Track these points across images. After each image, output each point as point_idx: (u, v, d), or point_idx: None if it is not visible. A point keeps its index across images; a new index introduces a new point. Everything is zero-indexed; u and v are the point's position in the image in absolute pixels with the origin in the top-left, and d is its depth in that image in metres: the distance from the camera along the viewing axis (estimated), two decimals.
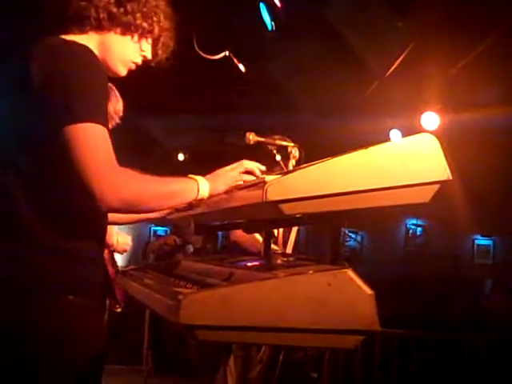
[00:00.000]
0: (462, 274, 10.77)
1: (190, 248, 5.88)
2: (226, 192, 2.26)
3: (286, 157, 3.75)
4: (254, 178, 2.31)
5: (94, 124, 1.92)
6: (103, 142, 1.95)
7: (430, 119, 7.15)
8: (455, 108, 7.09)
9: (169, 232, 11.60)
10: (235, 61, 6.38)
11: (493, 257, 11.79)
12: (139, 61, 2.32)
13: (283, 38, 5.98)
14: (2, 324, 1.98)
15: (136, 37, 2.26)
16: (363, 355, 6.59)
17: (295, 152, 3.74)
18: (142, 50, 2.30)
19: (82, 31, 2.19)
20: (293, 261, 2.42)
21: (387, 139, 7.87)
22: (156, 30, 2.28)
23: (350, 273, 1.81)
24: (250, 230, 2.49)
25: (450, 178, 1.86)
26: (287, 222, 2.43)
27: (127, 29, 2.23)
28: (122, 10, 2.20)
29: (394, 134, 8.10)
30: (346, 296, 1.80)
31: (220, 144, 8.73)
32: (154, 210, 2.30)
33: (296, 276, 1.83)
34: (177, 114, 8.06)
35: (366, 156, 1.87)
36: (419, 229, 12.30)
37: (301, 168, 1.91)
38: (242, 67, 6.49)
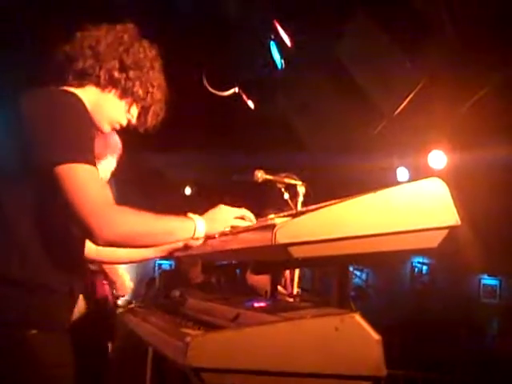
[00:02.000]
0: (468, 314, 10.68)
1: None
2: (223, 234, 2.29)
3: (295, 195, 3.76)
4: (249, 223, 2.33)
5: (82, 164, 2.00)
6: (94, 181, 2.02)
7: (438, 158, 7.15)
8: (462, 147, 7.09)
9: (173, 266, 11.57)
10: (244, 97, 6.43)
11: (499, 297, 11.70)
12: (125, 123, 2.41)
13: (293, 76, 6.03)
14: None
15: (128, 101, 2.34)
16: None
17: (303, 190, 3.75)
18: (130, 114, 2.39)
19: (81, 85, 2.28)
20: (299, 303, 2.41)
21: (394, 178, 7.88)
22: (149, 99, 2.39)
23: (358, 317, 1.80)
24: (257, 271, 2.49)
25: (459, 223, 1.86)
26: (295, 264, 2.43)
27: (123, 93, 2.34)
28: (124, 75, 2.31)
29: (401, 172, 8.10)
30: (353, 341, 1.79)
31: (227, 179, 8.75)
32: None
33: (303, 320, 1.82)
34: (185, 149, 8.10)
35: (374, 199, 1.87)
36: (425, 267, 12.25)
37: (310, 211, 1.91)
38: (251, 104, 6.54)
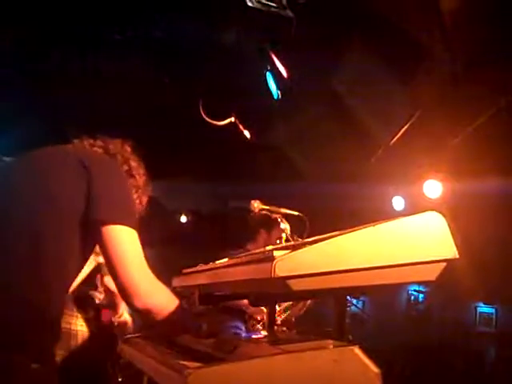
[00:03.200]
0: (465, 342, 10.64)
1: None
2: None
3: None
4: None
5: (131, 228, 2.17)
6: (139, 247, 2.18)
7: (433, 187, 7.19)
8: (457, 176, 7.13)
9: None
10: (240, 127, 6.46)
11: (495, 325, 11.66)
12: None
13: (289, 106, 6.07)
14: None
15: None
16: None
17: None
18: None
19: None
20: (297, 335, 2.41)
21: (390, 207, 7.90)
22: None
23: (357, 350, 1.81)
24: (255, 303, 2.49)
25: (457, 256, 1.88)
26: (293, 296, 2.43)
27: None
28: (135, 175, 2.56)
29: (397, 201, 8.13)
30: (351, 374, 1.80)
31: (223, 208, 8.77)
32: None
33: (302, 352, 1.82)
34: (181, 178, 8.12)
35: (373, 233, 1.88)
36: (421, 295, 12.22)
37: (308, 243, 1.92)
38: (247, 133, 6.57)
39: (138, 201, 2.56)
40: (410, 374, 8.82)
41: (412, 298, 12.13)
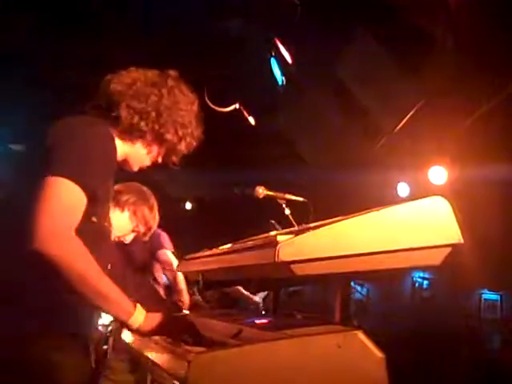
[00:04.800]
0: (469, 329, 10.63)
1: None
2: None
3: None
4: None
5: (71, 182, 2.00)
6: (70, 201, 2.02)
7: (438, 174, 7.15)
8: (463, 163, 7.10)
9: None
10: (245, 114, 6.44)
11: (500, 311, 11.66)
12: (149, 163, 2.48)
13: (293, 92, 6.05)
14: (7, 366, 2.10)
15: (156, 144, 2.40)
16: None
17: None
18: (157, 156, 2.45)
19: (114, 127, 2.35)
20: (301, 320, 2.40)
21: (395, 193, 7.88)
22: (176, 143, 2.41)
23: (361, 335, 1.80)
24: (259, 288, 2.49)
25: (462, 241, 1.87)
26: (296, 281, 2.42)
27: (154, 140, 2.39)
28: (156, 127, 2.36)
29: (402, 187, 8.10)
30: (355, 358, 1.79)
31: (228, 195, 8.76)
32: (76, 289, 2.05)
33: (306, 337, 1.82)
34: (186, 165, 8.10)
35: (377, 217, 1.87)
36: (426, 282, 12.21)
37: (312, 228, 1.91)
38: (251, 120, 6.55)
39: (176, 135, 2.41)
40: (414, 360, 8.82)
41: (416, 284, 12.12)
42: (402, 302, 11.86)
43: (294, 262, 1.80)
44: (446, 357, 9.40)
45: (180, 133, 2.41)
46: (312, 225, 2.07)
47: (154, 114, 2.37)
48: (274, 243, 1.83)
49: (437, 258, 1.89)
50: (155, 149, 2.43)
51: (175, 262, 4.89)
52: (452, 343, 9.91)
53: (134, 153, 2.43)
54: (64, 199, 1.99)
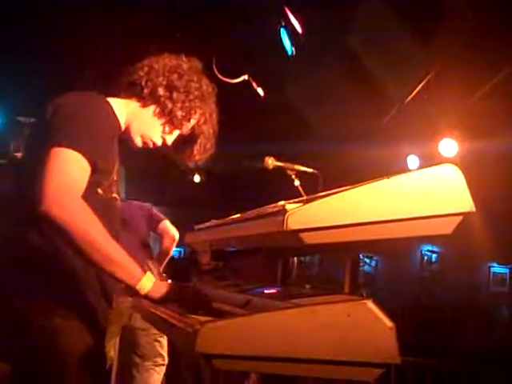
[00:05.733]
0: (478, 302, 10.66)
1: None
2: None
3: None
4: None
5: (74, 152, 2.01)
6: (74, 168, 2.02)
7: (449, 146, 7.10)
8: (474, 135, 7.04)
9: (182, 253, 11.62)
10: (254, 85, 6.39)
11: (509, 285, 11.67)
12: (159, 142, 2.41)
13: (303, 63, 5.99)
14: (11, 341, 2.16)
15: (165, 121, 2.35)
16: (377, 382, 6.51)
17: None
18: (164, 133, 2.39)
19: (125, 96, 2.33)
20: (309, 290, 2.39)
21: (404, 165, 7.84)
22: (186, 127, 2.39)
23: (370, 304, 1.78)
24: (267, 258, 2.48)
25: (474, 209, 1.84)
26: (305, 250, 2.41)
27: (162, 112, 2.34)
28: (167, 94, 2.32)
29: (412, 160, 8.06)
30: (365, 328, 1.77)
31: (236, 167, 8.73)
32: (84, 254, 2.03)
33: (315, 306, 1.80)
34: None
35: (388, 185, 1.84)
36: (434, 255, 12.22)
37: (321, 197, 1.89)
38: (260, 91, 6.50)
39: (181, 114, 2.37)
40: (422, 333, 8.85)
41: (425, 258, 12.13)
42: (410, 275, 11.87)
43: (302, 230, 1.78)
44: (454, 328, 9.42)
45: (191, 116, 2.39)
46: (321, 193, 2.05)
47: (182, 92, 2.36)
48: (282, 211, 1.81)
49: (448, 227, 1.86)
50: (164, 122, 2.40)
51: (176, 234, 5.04)
52: (460, 316, 9.93)
53: (147, 126, 2.41)
54: (68, 168, 2.01)
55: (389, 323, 1.79)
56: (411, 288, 11.14)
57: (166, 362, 4.75)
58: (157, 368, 4.67)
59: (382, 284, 11.58)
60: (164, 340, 4.69)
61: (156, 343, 4.65)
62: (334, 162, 7.06)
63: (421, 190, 1.84)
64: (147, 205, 5.23)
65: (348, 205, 1.81)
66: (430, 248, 11.98)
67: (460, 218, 1.85)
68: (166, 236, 5.06)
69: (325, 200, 1.82)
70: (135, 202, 5.08)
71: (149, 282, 2.12)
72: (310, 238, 1.79)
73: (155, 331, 4.56)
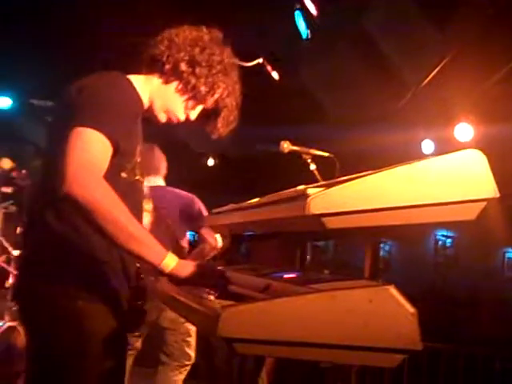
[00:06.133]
0: (492, 287, 10.62)
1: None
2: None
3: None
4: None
5: (96, 131, 2.02)
6: (96, 148, 2.03)
7: (464, 131, 7.04)
8: (490, 120, 6.98)
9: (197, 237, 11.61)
10: (269, 68, 6.36)
11: None
12: (182, 118, 2.40)
13: (317, 47, 5.95)
14: (35, 323, 2.22)
15: (189, 97, 2.34)
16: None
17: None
18: (189, 110, 2.38)
19: (147, 72, 2.32)
20: (328, 275, 2.39)
21: (419, 150, 7.79)
22: (210, 102, 2.37)
23: (392, 290, 1.78)
24: (286, 242, 2.47)
25: (498, 195, 1.82)
26: (325, 234, 2.40)
27: (185, 87, 2.33)
28: (190, 70, 2.31)
29: (427, 144, 8.00)
30: (387, 314, 1.77)
31: (250, 152, 8.72)
32: (105, 231, 2.02)
33: (337, 291, 1.80)
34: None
35: (411, 170, 1.82)
36: (449, 240, 12.18)
37: (343, 181, 1.88)
38: (275, 75, 6.47)
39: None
40: (436, 318, 8.84)
41: (439, 243, 12.09)
42: (424, 260, 11.85)
43: (325, 214, 1.76)
44: (468, 314, 9.41)
45: (215, 90, 2.38)
46: (343, 178, 2.03)
47: (205, 67, 2.34)
48: (304, 196, 1.80)
49: (472, 213, 1.84)
50: (187, 98, 2.38)
51: (219, 244, 4.52)
52: (474, 301, 9.91)
53: (171, 102, 2.40)
54: (90, 147, 2.01)
55: (411, 309, 1.78)
56: (425, 273, 11.12)
57: (192, 361, 4.72)
58: (182, 369, 4.66)
59: (396, 269, 11.56)
60: (191, 339, 4.66)
61: (183, 343, 4.63)
62: (347, 147, 7.01)
63: (444, 175, 1.82)
64: (190, 195, 4.73)
65: (371, 190, 1.79)
66: (445, 233, 11.94)
67: (484, 203, 1.84)
68: (206, 243, 4.57)
69: (347, 184, 1.81)
70: (174, 190, 4.69)
71: (172, 261, 2.12)
72: (332, 223, 1.78)
73: (183, 331, 4.56)
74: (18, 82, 8.49)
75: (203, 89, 2.34)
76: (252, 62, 6.16)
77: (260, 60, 6.25)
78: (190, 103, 2.38)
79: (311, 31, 5.49)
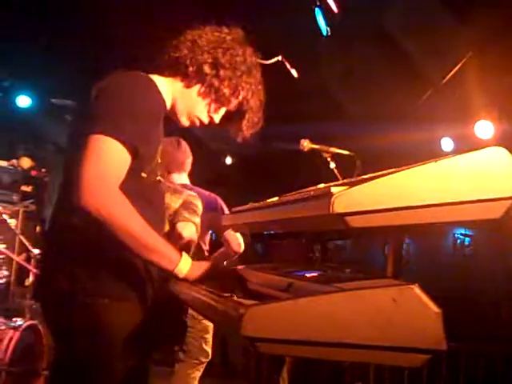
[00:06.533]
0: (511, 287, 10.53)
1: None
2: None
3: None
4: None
5: (113, 140, 1.98)
6: (112, 158, 2.02)
7: (485, 128, 6.98)
8: (510, 117, 6.92)
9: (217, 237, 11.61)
10: (288, 66, 6.34)
11: None
12: (206, 121, 2.39)
13: (338, 43, 5.93)
14: (56, 321, 2.26)
15: (212, 99, 2.32)
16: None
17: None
18: (211, 112, 2.37)
19: (170, 74, 2.30)
20: (351, 274, 2.37)
21: (439, 148, 7.74)
22: (234, 104, 2.36)
23: (417, 289, 1.76)
24: (308, 241, 2.46)
25: None
26: (348, 233, 2.38)
27: (208, 90, 2.31)
28: (213, 72, 2.29)
29: (446, 142, 7.94)
30: (411, 313, 1.75)
31: (269, 150, 8.70)
32: (124, 243, 2.06)
33: (360, 291, 1.78)
34: None
35: (435, 169, 1.81)
36: (467, 239, 12.08)
37: (367, 180, 1.86)
38: (294, 73, 6.45)
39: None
40: (454, 318, 8.78)
41: (458, 241, 11.99)
42: (442, 259, 11.76)
43: (348, 213, 1.75)
44: (487, 314, 9.33)
45: (239, 92, 2.36)
46: (366, 176, 2.02)
47: (228, 69, 2.33)
48: (328, 194, 1.78)
49: (497, 211, 1.81)
50: (210, 100, 2.37)
51: (241, 247, 4.54)
52: (493, 301, 9.83)
53: (194, 105, 2.38)
54: (106, 157, 2.00)
55: (435, 309, 1.76)
56: (443, 271, 11.03)
57: (209, 358, 4.72)
58: (199, 366, 4.66)
59: (413, 267, 11.48)
60: (209, 336, 4.66)
61: (201, 340, 4.62)
62: (365, 144, 6.99)
63: (469, 173, 1.80)
64: (213, 195, 4.68)
65: (395, 188, 1.77)
66: (463, 231, 11.84)
67: (510, 201, 1.81)
68: (229, 247, 4.52)
69: (371, 183, 1.79)
70: (199, 189, 4.55)
71: (186, 266, 2.14)
72: (355, 222, 1.76)
73: (201, 328, 4.55)
74: (37, 81, 8.53)
75: (227, 91, 2.33)
76: (271, 60, 6.15)
77: (279, 57, 6.23)
78: (214, 106, 2.37)
79: (331, 28, 5.47)
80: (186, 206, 3.66)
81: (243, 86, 2.35)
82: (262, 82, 2.44)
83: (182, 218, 3.56)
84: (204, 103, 2.36)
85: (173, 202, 3.62)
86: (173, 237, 3.48)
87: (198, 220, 3.63)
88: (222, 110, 2.41)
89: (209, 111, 2.39)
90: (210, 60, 2.31)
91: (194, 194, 3.85)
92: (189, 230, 3.53)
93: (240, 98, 2.37)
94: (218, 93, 2.33)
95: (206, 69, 2.31)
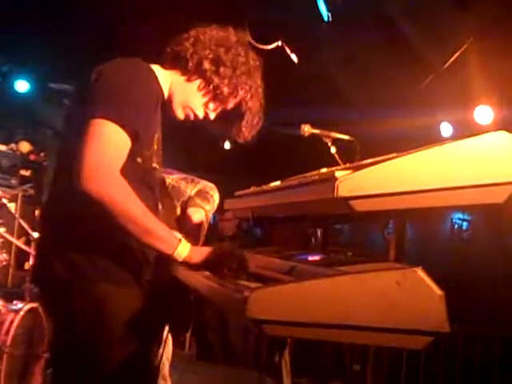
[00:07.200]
0: (510, 271, 10.56)
1: None
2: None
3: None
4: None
5: (114, 124, 2.00)
6: (113, 142, 2.04)
7: (484, 113, 6.98)
8: (510, 102, 6.92)
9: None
10: (288, 51, 6.33)
11: None
12: (201, 116, 2.39)
13: (339, 29, 5.92)
14: (55, 306, 2.28)
15: (210, 96, 2.33)
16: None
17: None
18: (208, 109, 2.37)
19: (171, 67, 2.31)
20: (353, 257, 2.39)
21: (437, 132, 7.74)
22: (231, 103, 2.36)
23: (420, 272, 1.78)
24: (312, 225, 2.47)
25: None
26: (353, 217, 2.40)
27: (207, 85, 2.31)
28: (213, 68, 2.29)
29: (445, 127, 7.94)
30: (415, 296, 1.77)
31: (268, 135, 8.68)
32: (123, 227, 2.07)
33: (364, 274, 1.80)
34: None
35: (439, 153, 1.82)
36: (465, 223, 12.10)
37: (371, 164, 1.87)
38: (294, 58, 6.44)
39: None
40: (452, 300, 8.82)
41: (456, 226, 12.00)
42: (440, 243, 11.78)
43: (353, 197, 1.76)
44: (485, 298, 9.37)
45: (238, 92, 2.37)
46: (369, 161, 2.03)
47: (229, 67, 2.33)
48: (332, 179, 1.80)
49: (501, 196, 1.82)
50: (208, 96, 2.37)
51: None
52: (491, 284, 9.87)
53: (191, 99, 2.39)
54: (106, 141, 2.01)
55: (438, 291, 1.78)
56: (441, 256, 11.06)
57: None
58: None
59: (411, 252, 11.50)
60: None
61: None
62: (365, 129, 7.00)
63: (473, 158, 1.81)
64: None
65: (399, 172, 1.79)
66: (461, 216, 11.85)
67: None
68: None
69: (375, 167, 1.80)
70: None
71: (185, 249, 2.15)
72: (359, 206, 1.78)
73: None
74: (35, 66, 8.50)
75: (226, 89, 2.33)
76: (271, 45, 6.14)
77: (279, 43, 6.22)
78: (211, 103, 2.38)
79: (332, 14, 5.45)
80: (200, 193, 3.74)
81: (242, 86, 2.35)
82: (262, 85, 2.44)
83: (193, 203, 3.64)
84: (202, 99, 2.37)
85: (188, 189, 3.71)
86: (183, 221, 3.55)
87: (209, 207, 3.69)
88: (219, 108, 2.41)
89: (205, 107, 2.39)
90: (210, 56, 2.31)
91: (212, 185, 3.93)
92: (198, 215, 3.60)
93: (238, 98, 2.37)
94: (216, 90, 2.33)
95: (206, 64, 2.31)
